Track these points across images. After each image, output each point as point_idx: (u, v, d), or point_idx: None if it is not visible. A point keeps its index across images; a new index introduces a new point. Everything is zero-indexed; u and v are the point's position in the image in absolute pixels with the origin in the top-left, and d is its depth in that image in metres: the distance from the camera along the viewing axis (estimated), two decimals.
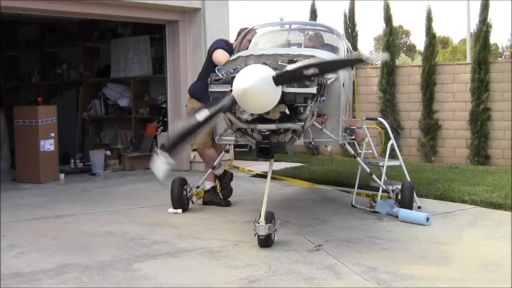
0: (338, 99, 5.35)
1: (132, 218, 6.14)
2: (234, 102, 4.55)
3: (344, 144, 6.13)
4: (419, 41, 59.48)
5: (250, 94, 4.42)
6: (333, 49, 6.36)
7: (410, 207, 6.05)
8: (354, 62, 4.54)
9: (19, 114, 9.00)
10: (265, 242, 4.82)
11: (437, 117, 10.19)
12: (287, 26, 6.90)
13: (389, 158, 6.66)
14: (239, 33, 6.76)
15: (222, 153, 6.45)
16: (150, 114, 10.71)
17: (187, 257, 4.71)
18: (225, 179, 6.75)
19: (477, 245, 5.02)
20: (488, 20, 9.70)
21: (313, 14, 11.94)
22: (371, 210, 6.24)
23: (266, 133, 5.00)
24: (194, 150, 6.80)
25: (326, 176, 8.66)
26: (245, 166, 9.71)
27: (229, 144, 6.22)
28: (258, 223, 4.80)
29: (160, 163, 4.60)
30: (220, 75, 5.02)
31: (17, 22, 11.37)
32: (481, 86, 9.63)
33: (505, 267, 4.34)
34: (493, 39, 9.68)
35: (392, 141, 6.57)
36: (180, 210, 6.28)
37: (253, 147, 5.26)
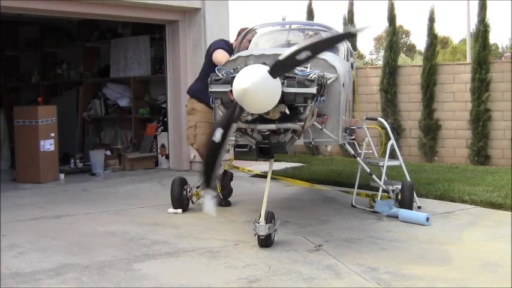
0: (338, 99, 5.35)
1: (132, 218, 6.14)
2: (241, 109, 4.55)
3: (344, 144, 6.13)
4: (419, 41, 59.49)
5: (250, 94, 4.42)
6: (333, 49, 6.36)
7: (410, 207, 6.05)
8: (343, 37, 4.49)
9: (19, 114, 9.00)
10: (265, 242, 4.82)
11: (437, 117, 10.19)
12: (287, 26, 6.90)
13: (389, 158, 6.66)
14: (239, 33, 6.76)
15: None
16: (150, 114, 10.71)
17: (187, 257, 4.71)
18: (225, 179, 6.75)
19: (477, 245, 5.02)
20: (486, 19, 9.70)
21: (310, 14, 11.93)
22: (371, 210, 6.24)
23: (266, 133, 5.01)
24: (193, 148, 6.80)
25: (326, 176, 8.66)
26: (245, 166, 9.72)
27: (229, 144, 6.21)
28: (258, 223, 4.80)
29: (208, 201, 4.69)
30: (220, 75, 5.02)
31: (17, 22, 11.37)
32: (481, 86, 9.63)
33: (505, 267, 4.34)
34: (493, 39, 9.69)
35: (392, 141, 6.57)
36: (180, 210, 6.28)
37: (253, 147, 5.26)
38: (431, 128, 10.19)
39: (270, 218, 4.84)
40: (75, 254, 4.79)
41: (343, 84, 5.40)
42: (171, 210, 6.30)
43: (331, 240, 5.11)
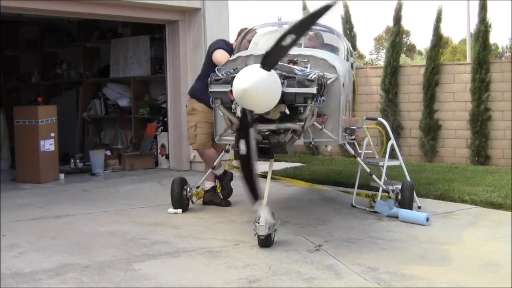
0: (338, 99, 5.35)
1: (132, 218, 6.14)
2: (253, 113, 4.56)
3: (344, 144, 6.13)
4: (419, 41, 59.48)
5: (250, 94, 4.42)
6: (333, 49, 6.37)
7: (410, 207, 6.05)
8: (324, 10, 4.43)
9: (19, 114, 9.00)
10: (265, 242, 4.82)
11: (437, 117, 10.19)
12: (287, 26, 6.89)
13: (389, 158, 6.66)
14: (239, 33, 6.76)
15: (222, 153, 6.45)
16: (150, 114, 10.71)
17: (187, 257, 4.71)
18: (225, 179, 6.75)
19: (477, 245, 5.02)
20: (487, 19, 9.70)
21: None
22: (371, 210, 6.24)
23: (266, 133, 5.01)
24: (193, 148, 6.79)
25: (326, 176, 8.66)
26: None
27: (229, 144, 6.22)
28: (258, 223, 4.80)
29: (264, 212, 4.70)
30: (220, 75, 5.02)
31: (17, 22, 11.37)
32: (481, 86, 9.63)
33: (505, 267, 4.34)
34: (493, 39, 9.69)
35: (392, 141, 6.57)
36: (180, 210, 6.28)
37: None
38: (431, 128, 10.19)
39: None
40: (75, 254, 4.78)
41: (343, 84, 5.40)
42: (171, 210, 6.30)
43: (331, 240, 5.11)
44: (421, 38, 62.39)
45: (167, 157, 10.18)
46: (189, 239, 5.23)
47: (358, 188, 6.73)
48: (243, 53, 5.59)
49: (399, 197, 6.15)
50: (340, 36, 6.78)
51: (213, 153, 6.57)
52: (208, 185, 6.70)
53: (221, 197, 6.74)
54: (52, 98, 11.80)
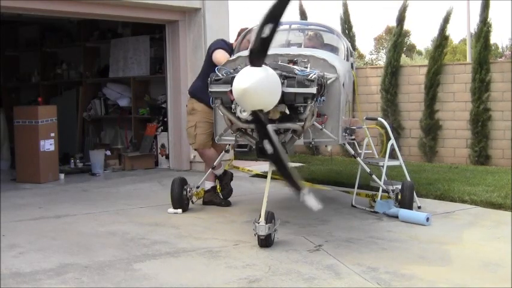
0: (338, 99, 5.35)
1: (132, 218, 6.14)
2: (263, 111, 4.55)
3: (344, 144, 6.13)
4: (419, 41, 59.50)
5: (250, 94, 4.42)
6: (333, 49, 6.36)
7: (410, 207, 6.05)
8: None
9: (19, 114, 9.00)
10: (265, 242, 4.82)
11: (437, 117, 10.19)
12: (287, 26, 6.90)
13: (389, 158, 6.66)
14: (239, 33, 6.76)
15: (222, 153, 6.45)
16: (150, 114, 10.71)
17: (187, 257, 4.71)
18: (225, 179, 6.75)
19: (477, 245, 5.02)
20: (488, 19, 9.70)
21: (303, 15, 11.91)
22: (371, 210, 6.24)
23: None
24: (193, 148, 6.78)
25: (326, 176, 8.66)
26: (245, 166, 9.71)
27: (229, 144, 6.22)
28: (258, 223, 4.80)
29: (309, 200, 4.65)
30: (220, 75, 5.02)
31: (17, 22, 11.37)
32: (481, 86, 9.63)
33: (505, 267, 4.34)
34: (493, 39, 9.68)
35: (392, 141, 6.57)
36: (180, 210, 6.28)
37: (253, 147, 5.26)
38: (432, 128, 10.19)
39: (270, 218, 4.84)
40: (75, 254, 4.78)
41: (343, 84, 5.40)
42: (171, 210, 6.30)
43: (331, 240, 5.11)
44: (421, 38, 62.38)
45: (167, 157, 10.18)
46: (189, 239, 5.23)
47: (358, 188, 6.74)
48: (243, 53, 5.59)
49: (399, 197, 6.15)
50: (340, 36, 6.78)
51: (213, 153, 6.57)
52: (208, 185, 6.70)
53: (221, 197, 6.74)
54: (52, 98, 11.80)
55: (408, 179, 6.50)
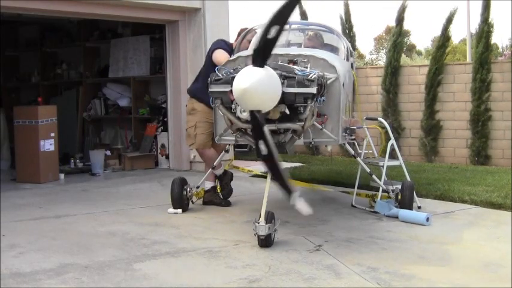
0: (338, 99, 5.35)
1: (132, 218, 6.14)
2: (261, 112, 4.54)
3: (344, 144, 6.13)
4: (419, 41, 59.48)
5: (250, 94, 4.42)
6: (333, 49, 6.36)
7: (410, 207, 6.04)
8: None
9: (19, 114, 9.00)
10: (265, 242, 4.82)
11: (438, 117, 10.19)
12: (287, 26, 6.89)
13: (389, 158, 6.66)
14: (239, 33, 6.76)
15: (222, 153, 6.45)
16: (150, 114, 10.72)
17: (187, 257, 4.71)
18: (225, 179, 6.75)
19: (477, 245, 5.02)
20: (490, 19, 9.70)
21: (304, 16, 11.91)
22: (371, 210, 6.24)
23: None
24: (192, 148, 6.77)
25: (326, 176, 8.66)
26: (245, 166, 9.71)
27: (229, 144, 6.21)
28: (258, 223, 4.80)
29: (300, 203, 4.59)
30: (220, 75, 5.02)
31: (17, 22, 11.37)
32: (482, 86, 9.64)
33: (505, 267, 4.34)
34: (493, 39, 9.66)
35: (392, 141, 6.56)
36: (180, 210, 6.28)
37: (253, 147, 5.26)
38: (432, 128, 10.19)
39: (270, 218, 4.84)
40: (75, 254, 4.78)
41: (343, 84, 5.40)
42: (171, 210, 6.29)
43: (331, 240, 5.11)
44: (421, 38, 62.39)
45: (167, 157, 10.18)
46: (189, 239, 5.23)
47: (358, 188, 6.73)
48: (243, 53, 5.59)
49: (399, 197, 6.15)
50: (340, 36, 6.78)
51: (213, 153, 6.57)
52: (208, 185, 6.70)
53: (221, 197, 6.74)
54: (52, 98, 11.80)
55: (408, 179, 6.50)
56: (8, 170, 9.91)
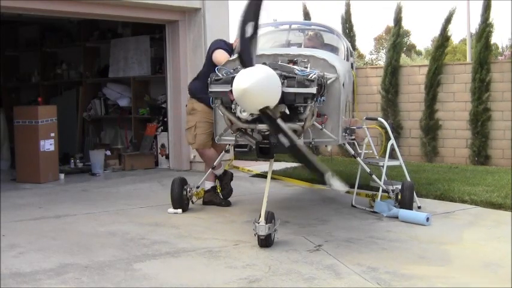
0: (338, 99, 5.35)
1: (132, 218, 6.14)
2: (268, 107, 4.55)
3: (344, 144, 6.13)
4: (419, 41, 59.50)
5: (250, 94, 4.42)
6: (333, 49, 6.37)
7: (410, 207, 6.04)
8: None
9: (19, 114, 9.00)
10: (265, 242, 4.82)
11: (437, 117, 10.19)
12: (287, 26, 6.90)
13: (389, 158, 6.66)
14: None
15: (222, 153, 6.45)
16: (150, 114, 10.72)
17: (187, 257, 4.71)
18: (225, 179, 6.75)
19: (477, 245, 5.02)
20: (490, 19, 9.70)
21: (307, 16, 11.92)
22: (371, 210, 6.24)
23: (266, 133, 5.00)
24: (192, 148, 6.77)
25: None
26: (245, 166, 9.72)
27: (229, 144, 6.22)
28: (258, 223, 4.80)
29: (335, 182, 4.66)
30: (220, 75, 5.02)
31: (17, 22, 11.37)
32: (481, 86, 9.64)
33: (505, 267, 4.34)
34: (493, 39, 9.67)
35: (392, 141, 6.56)
36: (180, 210, 6.28)
37: (253, 147, 5.26)
38: (432, 128, 10.19)
39: (270, 218, 4.84)
40: (75, 254, 4.78)
41: (343, 84, 5.40)
42: (171, 210, 6.29)
43: (331, 240, 5.11)
44: (420, 38, 62.40)
45: (167, 157, 10.18)
46: (189, 239, 5.23)
47: (358, 188, 6.73)
48: None
49: (399, 197, 6.15)
50: (340, 36, 6.78)
51: (213, 153, 6.57)
52: (208, 185, 6.70)
53: (221, 197, 6.74)
54: (52, 98, 11.81)
55: (408, 179, 6.50)
56: (8, 170, 9.91)
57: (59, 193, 7.88)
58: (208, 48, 6.80)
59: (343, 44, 6.54)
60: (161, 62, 10.44)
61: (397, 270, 4.26)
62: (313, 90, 4.76)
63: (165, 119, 10.25)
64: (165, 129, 10.23)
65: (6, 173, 9.60)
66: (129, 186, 8.32)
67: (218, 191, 6.76)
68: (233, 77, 4.63)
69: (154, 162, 10.33)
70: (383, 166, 6.45)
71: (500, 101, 9.60)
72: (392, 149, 6.58)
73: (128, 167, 9.99)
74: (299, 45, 6.37)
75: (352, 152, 6.36)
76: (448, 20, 10.22)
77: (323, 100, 5.05)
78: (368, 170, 6.40)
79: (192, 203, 6.49)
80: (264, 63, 4.71)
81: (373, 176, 6.38)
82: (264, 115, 4.57)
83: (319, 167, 4.68)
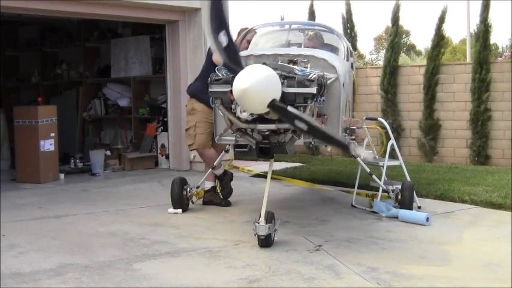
0: (338, 99, 5.35)
1: (132, 218, 6.14)
2: (275, 100, 4.58)
3: None
4: (419, 41, 59.50)
5: (250, 94, 4.42)
6: (333, 49, 6.37)
7: (410, 207, 6.04)
8: None
9: (19, 114, 9.00)
10: (265, 242, 4.82)
11: (437, 117, 10.19)
12: (287, 26, 6.90)
13: (389, 158, 6.66)
14: (239, 33, 6.76)
15: (222, 153, 6.45)
16: (150, 114, 10.72)
17: (187, 257, 4.71)
18: (225, 179, 6.75)
19: (477, 245, 5.02)
20: (488, 20, 9.70)
21: (312, 15, 11.92)
22: (371, 210, 6.24)
23: (266, 133, 5.01)
24: (192, 148, 6.76)
25: (326, 176, 8.66)
26: (245, 166, 9.72)
27: (229, 144, 6.21)
28: (258, 223, 4.80)
29: (358, 149, 5.08)
30: (220, 75, 5.02)
31: (17, 22, 11.37)
32: (481, 86, 9.64)
33: (505, 267, 4.34)
34: (493, 39, 9.68)
35: (392, 141, 6.56)
36: (180, 210, 6.28)
37: (253, 147, 5.26)
38: (431, 128, 10.19)
39: (270, 218, 4.84)
40: (75, 254, 4.78)
41: (343, 84, 5.41)
42: (171, 210, 6.29)
43: (331, 240, 5.11)
44: (421, 38, 62.35)
45: (167, 157, 10.19)
46: (189, 239, 5.23)
47: (358, 188, 6.73)
48: (243, 53, 5.59)
49: (399, 197, 6.15)
50: (340, 36, 6.79)
51: (213, 153, 6.57)
52: (208, 185, 6.70)
53: (221, 197, 6.74)
54: (52, 98, 11.80)
55: (408, 179, 6.50)
56: (8, 170, 9.91)
57: (59, 193, 7.88)
58: (208, 48, 6.80)
59: (343, 44, 6.55)
60: (161, 62, 10.44)
61: (397, 270, 4.26)
62: (313, 90, 4.77)
63: (165, 119, 10.25)
64: (165, 129, 10.23)
65: (6, 173, 9.61)
66: (129, 186, 8.32)
67: (218, 191, 6.76)
68: (233, 77, 4.63)
69: (154, 162, 10.33)
70: (383, 166, 6.45)
71: (500, 101, 9.59)
72: (392, 149, 6.58)
73: (127, 167, 9.99)
74: (299, 45, 6.37)
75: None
76: (441, 19, 10.22)
77: (323, 100, 5.05)
78: (368, 170, 6.40)
79: (192, 203, 6.49)
80: (264, 63, 4.71)
81: (373, 176, 6.38)
82: (274, 108, 4.56)
83: (341, 141, 4.92)
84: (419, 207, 6.31)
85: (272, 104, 4.53)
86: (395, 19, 10.77)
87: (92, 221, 6.03)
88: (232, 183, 6.83)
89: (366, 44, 55.94)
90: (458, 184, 7.55)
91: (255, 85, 4.40)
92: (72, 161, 9.94)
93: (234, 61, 4.60)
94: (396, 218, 5.87)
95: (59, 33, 12.07)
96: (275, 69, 4.66)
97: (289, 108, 4.59)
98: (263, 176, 8.31)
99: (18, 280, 4.14)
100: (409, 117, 10.54)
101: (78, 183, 8.65)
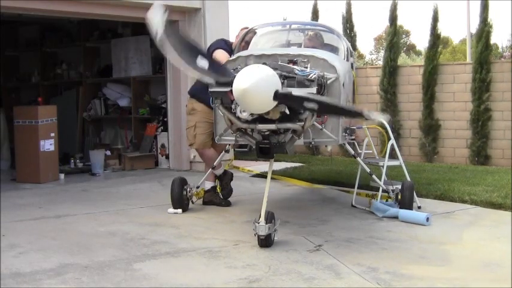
0: (338, 99, 5.34)
1: (132, 218, 6.14)
2: (278, 92, 4.60)
3: (344, 144, 6.13)
4: (419, 41, 59.49)
5: (250, 94, 4.42)
6: (333, 49, 6.36)
7: (410, 207, 6.04)
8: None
9: (19, 114, 9.00)
10: (265, 242, 4.82)
11: (437, 117, 10.19)
12: (287, 26, 6.90)
13: (389, 158, 6.66)
14: (239, 33, 6.76)
15: (222, 153, 6.45)
16: (150, 114, 10.72)
17: (187, 257, 4.71)
18: (225, 179, 6.75)
19: (477, 245, 5.02)
20: (488, 20, 9.70)
21: (315, 15, 11.93)
22: (371, 210, 6.24)
23: (266, 133, 5.01)
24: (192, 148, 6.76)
25: (326, 176, 8.66)
26: (245, 166, 9.72)
27: (229, 144, 6.21)
28: (258, 223, 4.80)
29: (374, 114, 4.88)
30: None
31: (17, 22, 11.37)
32: (482, 86, 9.63)
33: (505, 267, 4.34)
34: (493, 39, 9.66)
35: (392, 141, 6.56)
36: (180, 210, 6.28)
37: (253, 147, 5.26)
38: (431, 128, 10.19)
39: (270, 218, 4.84)
40: (75, 254, 4.79)
41: (343, 84, 5.40)
42: (171, 210, 6.30)
43: (331, 240, 5.11)
44: (421, 38, 62.39)
45: (167, 157, 10.19)
46: (189, 239, 5.23)
47: (358, 188, 6.73)
48: (243, 53, 5.59)
49: (399, 197, 6.15)
50: (340, 36, 6.78)
51: (213, 153, 6.57)
52: (208, 185, 6.70)
53: (221, 197, 6.74)
54: (52, 98, 11.80)
55: (408, 179, 6.50)
56: (8, 170, 9.91)
57: (59, 193, 7.88)
58: (208, 48, 6.80)
59: (343, 44, 6.54)
60: (161, 62, 10.43)
61: (397, 270, 4.26)
62: (313, 90, 4.77)
63: (165, 119, 10.25)
64: (165, 129, 10.23)
65: (6, 173, 9.61)
66: (129, 186, 8.32)
67: (218, 191, 6.76)
68: (233, 77, 4.63)
69: (154, 162, 10.33)
70: (383, 166, 6.45)
71: (500, 101, 9.59)
72: (392, 149, 6.58)
73: (127, 167, 9.99)
74: (299, 45, 6.37)
75: (352, 152, 6.36)
76: (435, 19, 10.21)
77: None
78: (368, 170, 6.40)
79: (192, 203, 6.50)
80: (264, 63, 4.70)
81: (373, 176, 6.38)
82: (279, 97, 4.55)
83: (355, 109, 5.04)
84: (419, 207, 6.31)
85: (276, 94, 4.52)
86: (393, 18, 10.76)
87: (92, 221, 6.03)
88: (232, 183, 6.83)
89: (366, 44, 55.98)
90: (458, 184, 7.55)
91: (255, 85, 4.39)
92: (72, 161, 9.94)
93: (223, 74, 4.65)
94: (394, 218, 5.87)
95: (59, 33, 12.07)
96: (275, 69, 4.66)
97: (294, 92, 4.62)
98: (263, 176, 8.31)
99: (18, 280, 4.14)
100: (409, 117, 10.54)
101: (78, 183, 8.65)
